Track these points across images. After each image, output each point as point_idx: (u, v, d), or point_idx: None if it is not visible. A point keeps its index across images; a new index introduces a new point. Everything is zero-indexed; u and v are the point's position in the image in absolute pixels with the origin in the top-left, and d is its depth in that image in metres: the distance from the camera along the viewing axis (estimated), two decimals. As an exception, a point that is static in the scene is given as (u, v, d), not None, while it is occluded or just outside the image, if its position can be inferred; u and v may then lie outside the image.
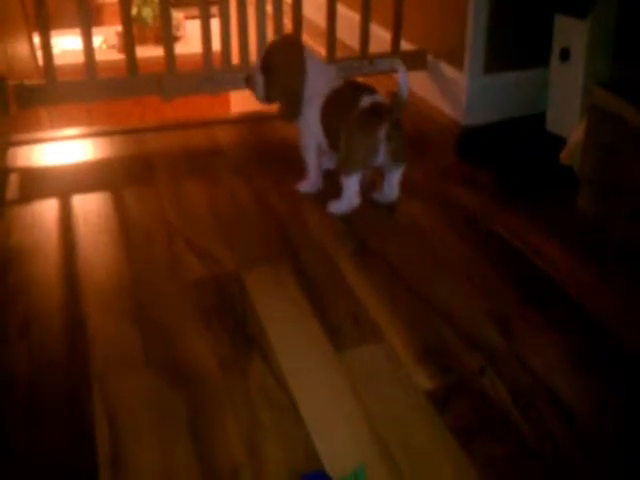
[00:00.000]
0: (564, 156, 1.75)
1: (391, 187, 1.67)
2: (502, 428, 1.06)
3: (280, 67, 1.63)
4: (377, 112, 1.55)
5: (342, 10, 2.33)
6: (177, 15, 4.05)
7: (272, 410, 1.09)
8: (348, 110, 1.56)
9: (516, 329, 1.27)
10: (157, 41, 4.07)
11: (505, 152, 1.96)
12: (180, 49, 3.53)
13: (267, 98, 1.68)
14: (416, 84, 2.32)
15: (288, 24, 2.15)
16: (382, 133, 1.53)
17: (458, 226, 1.60)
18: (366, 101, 1.56)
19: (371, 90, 1.62)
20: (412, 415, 1.08)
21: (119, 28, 3.97)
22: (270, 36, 2.09)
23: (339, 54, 2.21)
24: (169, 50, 2.00)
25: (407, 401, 1.11)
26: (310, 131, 1.66)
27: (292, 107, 1.66)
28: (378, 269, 1.43)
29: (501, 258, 1.48)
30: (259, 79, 1.66)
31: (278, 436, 1.04)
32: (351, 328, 1.27)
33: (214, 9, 2.04)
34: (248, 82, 1.69)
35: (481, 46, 2.06)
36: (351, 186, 1.60)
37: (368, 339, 1.24)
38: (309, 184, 1.72)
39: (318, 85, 1.63)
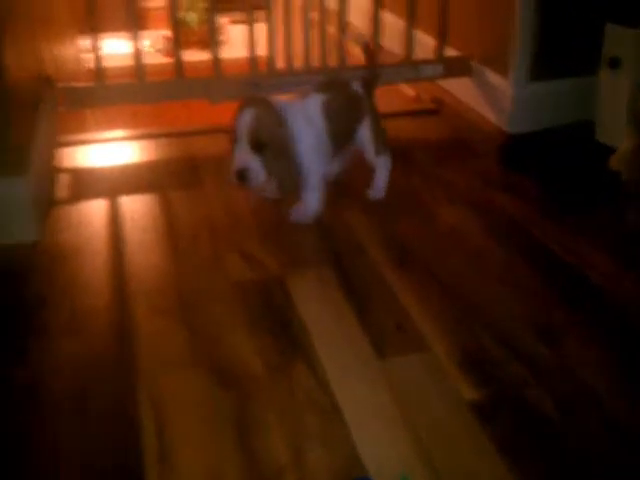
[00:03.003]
0: (613, 161, 1.73)
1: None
2: (545, 439, 1.05)
3: (273, 137, 1.45)
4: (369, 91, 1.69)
5: (387, 16, 2.34)
6: (221, 20, 4.09)
7: (316, 414, 1.09)
8: (357, 103, 1.64)
9: (560, 338, 1.26)
10: (201, 45, 4.12)
11: (551, 161, 1.94)
12: (224, 53, 3.57)
13: (267, 181, 1.48)
14: (460, 91, 2.32)
15: (332, 30, 2.16)
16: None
17: (501, 234, 1.58)
18: (358, 87, 1.67)
19: (344, 81, 1.69)
20: (455, 424, 1.08)
21: (165, 32, 4.04)
22: (315, 42, 2.11)
23: (383, 60, 2.21)
24: (216, 55, 2.02)
25: (450, 410, 1.10)
26: (315, 165, 1.56)
27: (293, 175, 1.51)
28: (420, 276, 1.43)
29: (545, 267, 1.47)
30: (254, 164, 1.44)
31: (322, 440, 1.05)
32: (394, 335, 1.27)
33: (259, 15, 2.06)
34: (243, 175, 1.44)
35: (527, 53, 2.05)
36: (390, 166, 1.69)
37: (411, 347, 1.24)
38: (314, 209, 1.61)
39: (304, 130, 1.53)
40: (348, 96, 1.64)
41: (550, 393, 1.13)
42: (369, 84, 1.70)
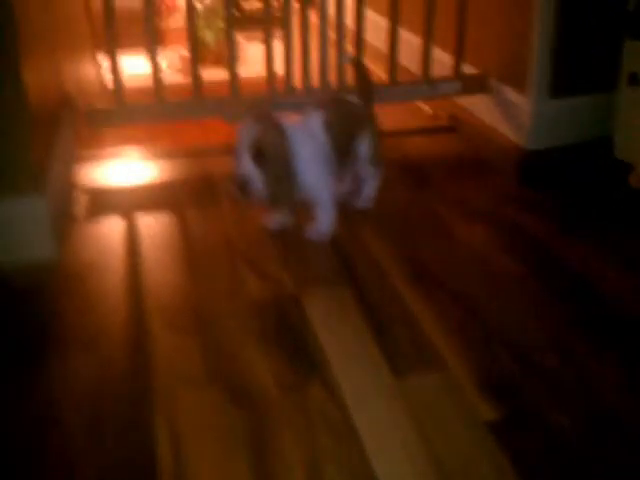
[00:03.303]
0: (632, 178, 1.71)
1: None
2: (564, 459, 1.03)
3: (274, 150, 1.47)
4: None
5: (404, 34, 2.34)
6: (237, 38, 4.13)
7: (332, 434, 1.08)
8: (357, 117, 1.67)
9: (579, 357, 1.24)
10: (216, 62, 4.16)
11: (570, 177, 1.92)
12: (240, 72, 3.59)
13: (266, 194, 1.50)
14: (478, 108, 2.31)
15: (349, 49, 2.16)
16: None
17: (520, 252, 1.57)
18: (358, 102, 1.71)
19: (344, 97, 1.73)
20: (473, 445, 1.06)
21: (182, 51, 4.08)
22: (332, 60, 2.11)
23: (400, 78, 2.21)
24: (233, 75, 2.04)
25: (468, 430, 1.09)
26: (320, 182, 1.59)
27: (289, 191, 1.53)
28: (438, 294, 1.42)
29: (564, 285, 1.45)
30: (254, 174, 1.46)
31: (338, 461, 1.03)
32: (411, 354, 1.25)
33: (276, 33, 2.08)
34: (244, 184, 1.46)
35: (546, 70, 2.04)
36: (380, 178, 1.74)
37: (429, 366, 1.22)
38: (328, 228, 1.63)
39: (306, 147, 1.55)
40: (348, 111, 1.66)
41: (569, 412, 1.11)
42: (367, 98, 1.73)
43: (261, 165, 1.46)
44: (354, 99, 1.71)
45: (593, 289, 1.43)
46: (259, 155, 1.46)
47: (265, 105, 2.03)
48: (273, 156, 1.47)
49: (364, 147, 1.69)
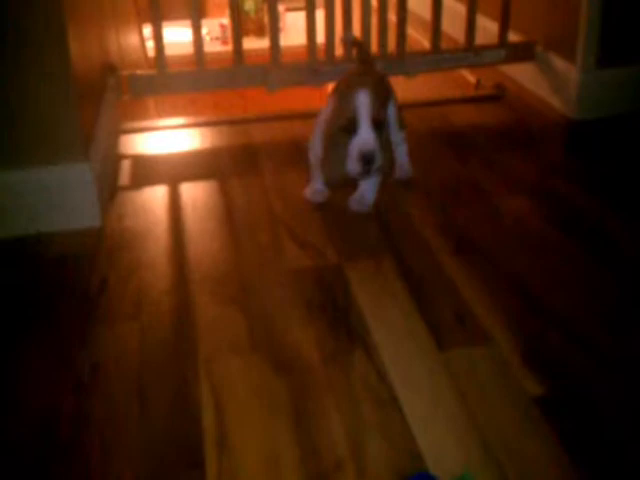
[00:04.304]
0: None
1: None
2: (609, 435, 1.02)
3: (385, 115, 1.44)
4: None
5: (447, 1, 2.28)
6: (279, 7, 4.10)
7: (374, 405, 1.08)
8: (385, 83, 1.61)
9: (627, 333, 1.21)
10: (258, 33, 4.14)
11: (617, 149, 1.87)
12: (281, 41, 3.57)
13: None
14: (524, 76, 2.26)
15: (392, 17, 2.13)
16: None
17: (565, 224, 1.54)
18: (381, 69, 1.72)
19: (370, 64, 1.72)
20: (518, 420, 1.05)
21: (223, 20, 4.07)
22: (375, 29, 2.08)
23: (444, 46, 2.17)
24: (275, 43, 2.02)
25: (513, 405, 1.08)
26: None
27: (391, 155, 1.51)
28: (481, 266, 1.40)
29: (611, 260, 1.42)
30: (379, 148, 1.38)
31: (380, 432, 1.04)
32: (455, 327, 1.25)
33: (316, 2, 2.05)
34: (371, 158, 1.37)
35: (594, 38, 1.97)
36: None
37: (472, 339, 1.21)
38: (372, 197, 1.60)
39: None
40: (380, 77, 1.62)
41: (616, 389, 1.10)
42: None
43: (379, 133, 1.38)
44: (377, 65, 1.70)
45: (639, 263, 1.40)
46: (378, 123, 1.38)
47: (320, 74, 2.00)
48: (386, 124, 1.41)
49: (392, 111, 1.64)
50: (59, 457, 1.02)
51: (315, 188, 1.64)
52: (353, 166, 1.38)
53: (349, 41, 1.89)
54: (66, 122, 1.49)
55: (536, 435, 1.02)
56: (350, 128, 1.37)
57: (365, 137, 1.36)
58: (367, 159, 1.36)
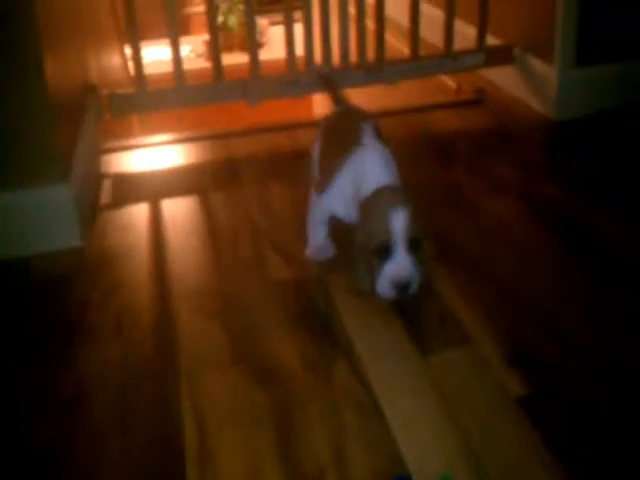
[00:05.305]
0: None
1: None
2: (593, 434, 1.01)
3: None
4: None
5: (425, 8, 2.29)
6: (261, 22, 4.12)
7: (356, 412, 1.08)
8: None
9: (609, 332, 1.21)
10: (242, 48, 4.15)
11: (598, 148, 1.87)
12: (264, 55, 3.58)
13: None
14: (504, 79, 2.27)
15: (370, 25, 2.14)
16: None
17: (548, 225, 1.54)
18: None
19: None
20: (501, 421, 1.05)
21: (206, 37, 4.08)
22: (353, 38, 2.09)
23: (422, 52, 2.18)
24: (254, 56, 2.03)
25: (495, 406, 1.07)
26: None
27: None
28: (463, 269, 1.40)
29: (594, 258, 1.41)
30: (413, 271, 1.18)
31: (363, 439, 1.03)
32: (437, 330, 1.24)
33: (297, 15, 2.06)
34: (408, 287, 1.18)
35: (571, 37, 1.98)
36: None
37: (455, 342, 1.21)
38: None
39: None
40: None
41: (598, 387, 1.09)
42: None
43: (416, 254, 1.19)
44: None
45: (624, 261, 1.40)
46: (415, 244, 1.18)
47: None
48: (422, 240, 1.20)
49: None
50: (42, 476, 1.01)
51: (318, 244, 1.45)
52: (385, 290, 1.19)
53: (319, 73, 1.75)
54: (44, 144, 1.49)
55: (518, 435, 1.02)
56: (383, 253, 1.18)
57: (401, 263, 1.17)
58: (402, 287, 1.18)
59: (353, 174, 1.27)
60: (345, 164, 1.29)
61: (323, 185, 1.36)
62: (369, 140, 1.31)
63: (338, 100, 1.57)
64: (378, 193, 1.21)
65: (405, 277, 1.17)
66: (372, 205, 1.20)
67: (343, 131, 1.39)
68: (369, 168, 1.25)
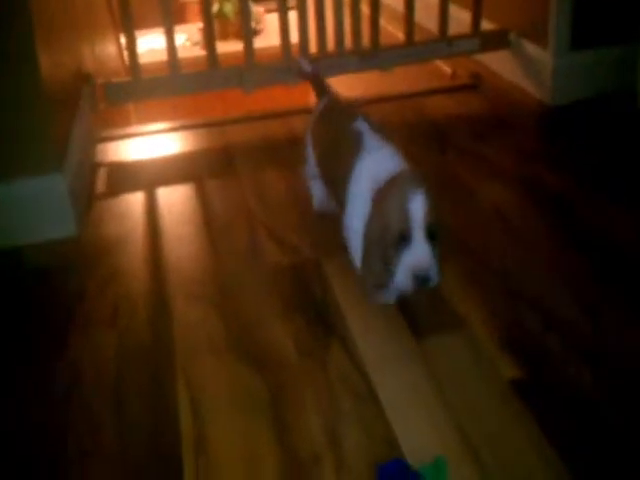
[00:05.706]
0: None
1: None
2: (586, 416, 1.02)
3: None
4: None
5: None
6: (257, 9, 4.10)
7: (352, 398, 1.08)
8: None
9: (602, 317, 1.21)
10: (239, 36, 4.13)
11: (594, 132, 1.87)
12: (260, 42, 3.57)
13: None
14: (499, 64, 2.26)
15: (365, 10, 2.13)
16: None
17: (544, 209, 1.54)
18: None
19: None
20: (495, 404, 1.05)
21: (202, 25, 4.07)
22: (347, 24, 2.08)
23: (417, 37, 2.17)
24: (248, 44, 2.02)
25: (490, 390, 1.08)
26: None
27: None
28: (459, 254, 1.40)
29: (587, 241, 1.42)
30: (433, 261, 1.09)
31: (358, 424, 1.04)
32: (432, 315, 1.25)
33: (292, 1, 2.05)
34: (428, 278, 1.09)
35: (566, 21, 1.98)
36: None
37: (449, 327, 1.21)
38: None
39: None
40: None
41: (591, 370, 1.10)
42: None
43: (434, 243, 1.10)
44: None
45: (617, 245, 1.40)
46: (433, 232, 1.10)
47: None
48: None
49: None
50: (39, 468, 1.02)
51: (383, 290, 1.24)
52: (404, 283, 1.10)
53: (304, 69, 1.63)
54: (38, 134, 1.49)
55: (513, 419, 1.03)
56: (400, 242, 1.09)
57: (420, 253, 1.08)
58: (422, 279, 1.09)
59: (368, 183, 1.19)
60: (354, 178, 1.22)
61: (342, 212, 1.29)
62: (370, 143, 1.25)
63: (322, 92, 1.53)
64: (392, 180, 1.14)
65: (425, 267, 1.08)
66: (387, 192, 1.12)
67: (340, 139, 1.32)
68: (381, 169, 1.18)
